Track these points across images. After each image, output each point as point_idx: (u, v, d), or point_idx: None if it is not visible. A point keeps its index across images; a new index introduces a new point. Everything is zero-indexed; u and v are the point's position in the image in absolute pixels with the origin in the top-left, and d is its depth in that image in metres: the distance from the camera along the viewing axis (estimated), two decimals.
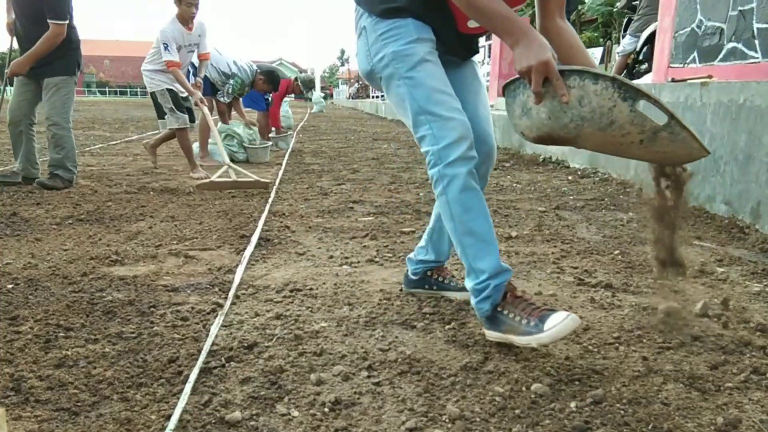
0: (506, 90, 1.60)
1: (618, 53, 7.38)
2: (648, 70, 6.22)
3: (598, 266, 2.49)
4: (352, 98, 38.86)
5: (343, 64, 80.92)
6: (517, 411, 1.37)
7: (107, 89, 69.88)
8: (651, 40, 6.19)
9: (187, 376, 1.51)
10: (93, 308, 1.99)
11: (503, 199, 4.06)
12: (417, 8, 1.68)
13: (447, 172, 1.64)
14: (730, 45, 5.16)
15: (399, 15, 1.68)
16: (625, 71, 6.92)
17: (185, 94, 5.26)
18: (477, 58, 1.98)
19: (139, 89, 71.31)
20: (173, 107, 5.16)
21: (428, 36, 1.70)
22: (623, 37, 7.20)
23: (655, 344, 1.72)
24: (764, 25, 4.32)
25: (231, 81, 6.10)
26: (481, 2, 1.51)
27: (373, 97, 29.21)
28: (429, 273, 2.12)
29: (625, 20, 7.03)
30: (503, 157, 6.46)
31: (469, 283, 1.70)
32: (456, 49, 1.82)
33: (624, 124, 1.39)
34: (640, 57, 6.70)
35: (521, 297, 1.66)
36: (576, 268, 2.48)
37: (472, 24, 1.71)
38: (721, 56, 4.94)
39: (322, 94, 28.48)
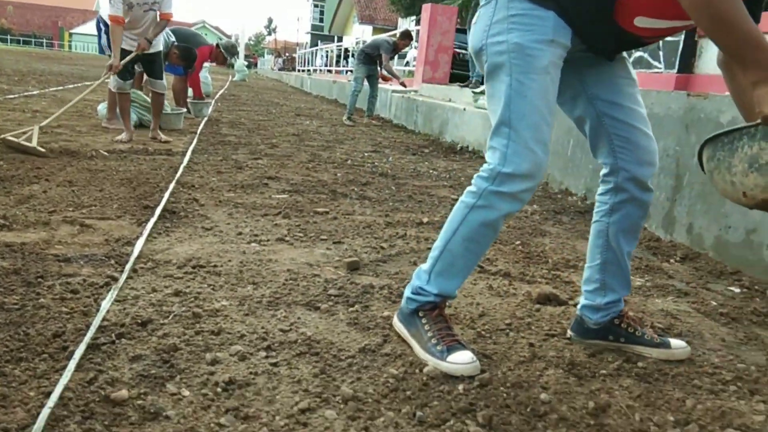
0: (712, 143, 1.32)
1: None
2: None
3: (499, 255, 2.61)
4: (278, 70, 37.93)
5: (270, 33, 78.62)
6: (408, 392, 1.42)
7: (9, 37, 64.08)
8: None
9: (73, 352, 1.44)
10: None
11: (419, 185, 4.14)
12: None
13: (490, 198, 1.50)
14: (637, 54, 5.50)
15: (542, 3, 1.43)
16: None
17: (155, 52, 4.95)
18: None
19: (44, 39, 65.98)
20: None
21: (564, 41, 1.46)
22: None
23: (542, 332, 1.83)
24: (669, 38, 4.63)
25: None
26: (725, 10, 1.21)
27: (298, 70, 28.65)
28: (616, 321, 1.74)
29: None
30: (423, 143, 6.57)
31: (416, 280, 1.65)
32: (604, 47, 1.55)
33: None
34: None
35: (444, 317, 1.63)
36: None
37: (641, 23, 1.43)
38: None
39: (246, 62, 27.58)
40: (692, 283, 2.44)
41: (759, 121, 1.22)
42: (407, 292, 1.67)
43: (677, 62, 4.91)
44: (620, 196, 1.66)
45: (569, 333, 1.81)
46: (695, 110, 2.95)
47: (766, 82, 1.19)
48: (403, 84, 9.09)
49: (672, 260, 2.75)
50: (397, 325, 1.71)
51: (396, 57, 10.36)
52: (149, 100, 5.92)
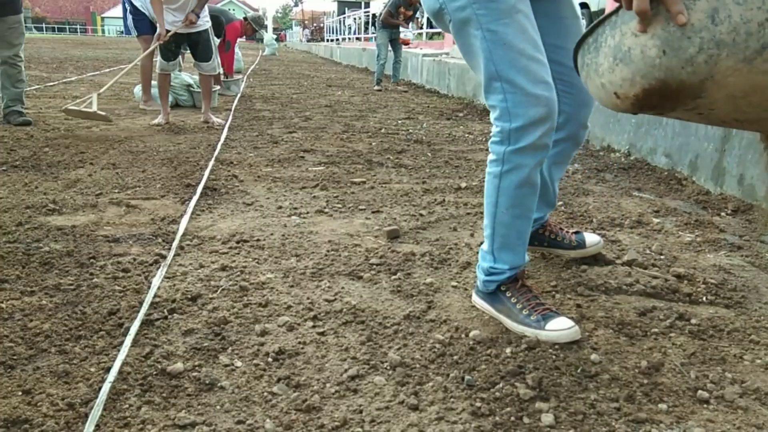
0: (582, 46, 1.16)
1: None
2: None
3: None
4: (307, 41, 37.71)
5: (296, 5, 78.01)
6: (455, 357, 1.42)
7: (44, 26, 65.47)
8: None
9: (128, 329, 1.49)
10: (29, 259, 1.93)
11: (455, 150, 4.08)
12: None
13: (513, 158, 1.46)
14: None
15: None
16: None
17: (184, 30, 4.63)
18: None
19: (78, 26, 67.15)
20: (158, 48, 4.73)
21: None
22: None
23: (589, 292, 1.80)
24: None
25: None
26: None
27: (327, 40, 28.42)
28: (541, 230, 1.95)
29: None
30: (457, 107, 6.46)
31: (483, 262, 1.61)
32: None
33: None
34: None
35: (527, 287, 1.60)
36: None
37: None
38: None
39: (274, 36, 27.52)
40: (745, 236, 2.36)
41: (618, 5, 1.06)
42: (481, 275, 1.63)
43: None
44: (559, 134, 1.70)
45: None
46: None
47: None
48: (404, 42, 8.92)
49: (723, 213, 2.66)
50: (480, 303, 1.66)
51: (424, 18, 10.20)
52: (185, 80, 5.97)
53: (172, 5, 4.53)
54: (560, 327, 1.48)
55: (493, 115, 1.48)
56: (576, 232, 1.99)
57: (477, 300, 1.68)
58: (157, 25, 4.60)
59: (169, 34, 4.56)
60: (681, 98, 1.06)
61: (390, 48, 8.65)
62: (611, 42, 1.09)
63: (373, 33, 19.41)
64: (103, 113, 4.30)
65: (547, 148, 1.47)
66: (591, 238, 1.98)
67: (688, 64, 1.00)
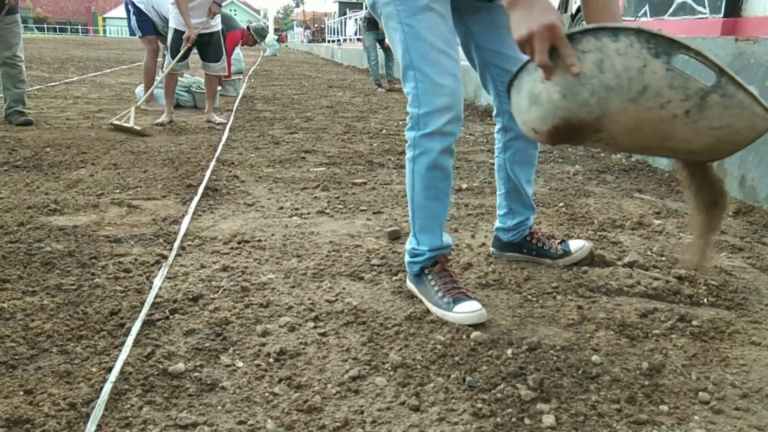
0: (512, 86, 1.33)
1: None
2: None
3: (542, 218, 2.56)
4: (308, 42, 37.74)
5: (297, 5, 78.05)
6: (456, 358, 1.42)
7: (45, 26, 65.51)
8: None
9: (130, 329, 1.49)
10: (31, 259, 1.93)
11: (456, 151, 4.07)
12: None
13: (422, 143, 1.59)
14: (680, 0, 5.23)
15: None
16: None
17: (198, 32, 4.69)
18: None
19: (80, 26, 67.16)
20: (168, 48, 4.82)
21: None
22: None
23: (591, 293, 1.80)
24: None
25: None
26: None
27: (328, 41, 28.43)
28: (529, 237, 1.99)
29: None
30: None
31: (408, 245, 1.75)
32: None
33: (661, 88, 1.11)
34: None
35: (448, 271, 1.70)
36: None
37: None
38: (671, 10, 5.01)
39: (276, 37, 27.54)
40: (746, 238, 2.36)
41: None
42: (406, 258, 1.75)
43: (723, 5, 4.65)
44: (509, 135, 1.85)
45: (491, 249, 2.08)
46: (744, 56, 2.80)
47: (514, 6, 1.25)
48: (387, 49, 9.00)
49: (724, 215, 2.65)
50: (409, 286, 1.78)
51: None
52: (184, 81, 5.98)
53: (189, 3, 4.57)
54: (466, 310, 1.57)
55: (408, 100, 1.60)
56: (561, 241, 2.03)
57: (408, 283, 1.79)
58: (185, 27, 4.61)
59: (183, 50, 4.70)
60: (585, 132, 1.23)
61: (379, 48, 8.76)
62: (527, 86, 1.27)
63: None
64: (138, 128, 4.33)
65: (452, 135, 1.58)
66: (575, 244, 2.01)
67: (584, 105, 1.18)
